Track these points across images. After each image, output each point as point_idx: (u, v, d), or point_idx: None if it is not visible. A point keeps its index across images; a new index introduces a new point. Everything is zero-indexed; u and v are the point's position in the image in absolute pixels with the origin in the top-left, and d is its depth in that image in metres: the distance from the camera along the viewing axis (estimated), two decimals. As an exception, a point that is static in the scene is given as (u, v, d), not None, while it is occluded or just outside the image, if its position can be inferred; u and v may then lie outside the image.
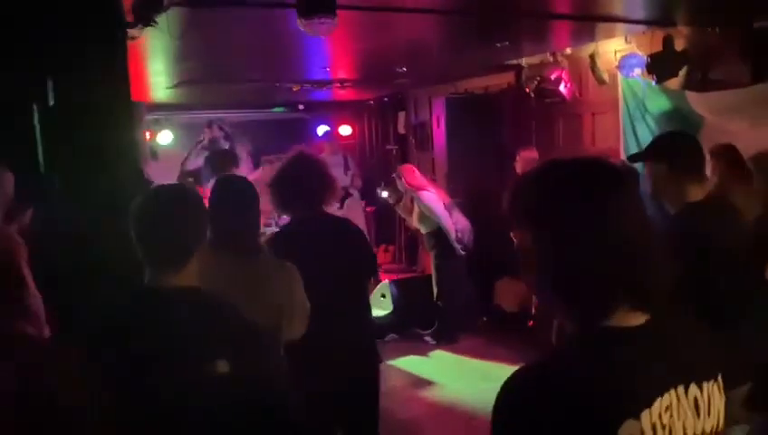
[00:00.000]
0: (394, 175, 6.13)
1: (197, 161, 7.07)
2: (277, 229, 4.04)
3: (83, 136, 2.87)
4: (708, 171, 4.16)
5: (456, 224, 5.93)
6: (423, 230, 6.16)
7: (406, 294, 6.55)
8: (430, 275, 7.00)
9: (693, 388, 1.06)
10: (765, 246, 2.67)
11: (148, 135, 7.90)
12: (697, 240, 2.30)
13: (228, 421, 1.47)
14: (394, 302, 6.48)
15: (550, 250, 1.07)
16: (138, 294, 1.64)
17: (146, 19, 2.80)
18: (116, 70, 2.94)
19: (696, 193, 2.47)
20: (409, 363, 5.67)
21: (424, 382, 5.26)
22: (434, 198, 5.91)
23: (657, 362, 1.04)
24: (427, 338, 6.19)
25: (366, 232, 7.95)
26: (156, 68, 5.34)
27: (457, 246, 5.91)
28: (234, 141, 7.40)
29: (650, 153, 2.59)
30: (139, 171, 3.22)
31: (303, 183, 2.88)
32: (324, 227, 2.93)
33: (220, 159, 5.53)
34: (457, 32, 4.55)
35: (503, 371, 4.67)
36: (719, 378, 1.11)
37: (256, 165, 8.26)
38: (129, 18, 2.87)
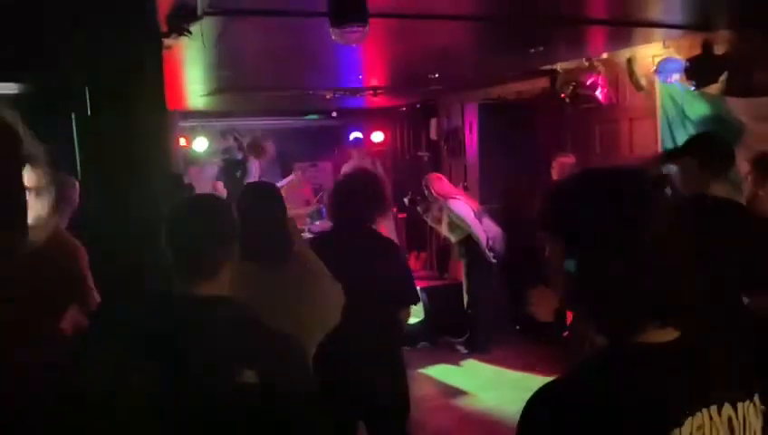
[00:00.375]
0: (423, 184, 6.10)
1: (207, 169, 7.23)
2: (310, 236, 4.06)
3: (119, 144, 2.93)
4: (747, 180, 4.08)
5: (486, 231, 5.88)
6: (453, 239, 6.12)
7: (437, 301, 6.52)
8: (461, 283, 6.95)
9: (727, 408, 1.02)
10: None
11: (183, 142, 8.06)
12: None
13: (253, 432, 1.46)
14: (425, 309, 6.44)
15: (579, 262, 1.04)
16: (167, 300, 1.64)
17: (180, 29, 2.84)
18: (151, 79, 3.00)
19: (719, 193, 2.57)
20: (440, 372, 5.63)
21: (455, 392, 5.21)
22: (464, 207, 5.87)
23: (687, 381, 1.01)
24: (459, 347, 6.14)
25: (396, 239, 7.99)
26: (191, 76, 5.42)
27: (489, 254, 5.86)
28: (246, 151, 7.43)
29: (685, 150, 2.75)
30: (177, 177, 3.27)
31: (355, 197, 2.93)
32: (361, 243, 2.90)
33: (232, 168, 5.63)
34: (490, 38, 4.51)
35: (535, 381, 4.58)
36: (755, 398, 1.06)
37: (287, 172, 8.34)
38: (164, 28, 2.91)
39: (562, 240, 1.09)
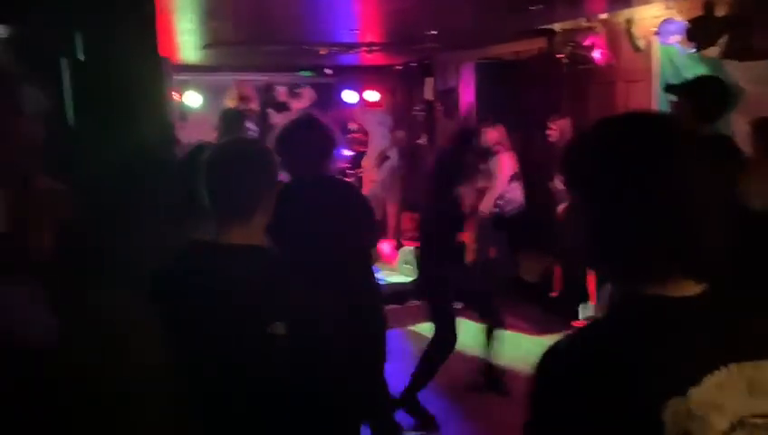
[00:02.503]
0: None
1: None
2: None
3: (112, 90, 2.87)
4: (748, 144, 4.07)
5: (508, 192, 5.84)
6: None
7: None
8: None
9: (747, 366, 0.99)
10: None
11: (176, 96, 7.93)
12: None
13: (283, 385, 1.45)
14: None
15: (602, 212, 1.02)
16: (199, 247, 1.63)
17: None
18: (144, 24, 2.93)
19: None
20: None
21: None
22: (507, 161, 5.80)
23: (709, 337, 0.98)
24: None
25: (396, 196, 7.93)
26: (184, 26, 5.31)
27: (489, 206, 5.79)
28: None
29: (682, 89, 2.68)
30: (168, 126, 3.21)
31: (303, 144, 2.81)
32: (320, 191, 2.83)
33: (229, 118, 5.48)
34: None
35: (522, 339, 4.66)
36: None
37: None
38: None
39: (584, 189, 1.06)
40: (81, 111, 2.90)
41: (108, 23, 2.83)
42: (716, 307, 1.02)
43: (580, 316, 5.56)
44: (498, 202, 5.82)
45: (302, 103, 7.67)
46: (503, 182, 5.80)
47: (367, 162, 8.55)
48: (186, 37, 5.83)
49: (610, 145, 1.04)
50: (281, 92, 7.51)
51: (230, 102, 7.31)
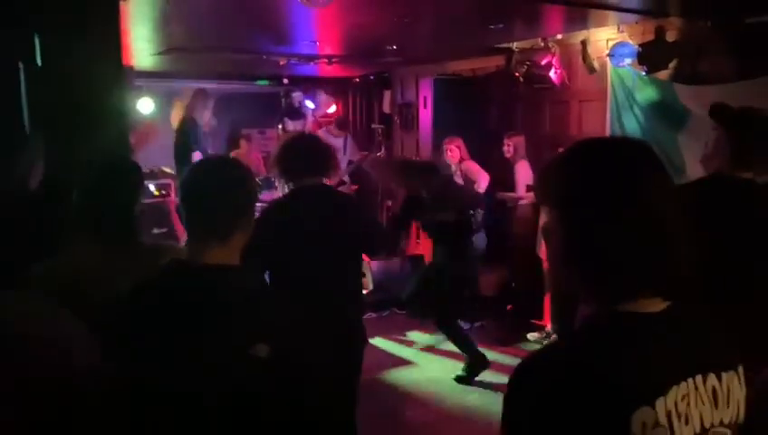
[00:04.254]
0: (443, 146, 5.99)
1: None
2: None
3: (70, 95, 2.79)
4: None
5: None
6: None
7: (386, 273, 6.57)
8: (411, 256, 7.02)
9: (711, 377, 1.05)
10: None
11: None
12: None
13: (262, 406, 1.42)
14: (374, 281, 6.50)
15: (576, 230, 1.06)
16: (180, 268, 1.58)
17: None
18: (106, 29, 2.86)
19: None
20: (385, 343, 5.69)
21: (399, 362, 5.28)
22: (483, 171, 5.88)
23: (674, 350, 1.03)
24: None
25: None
26: (140, 33, 5.19)
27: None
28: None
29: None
30: (126, 136, 3.14)
31: (307, 154, 2.97)
32: (322, 198, 2.97)
33: None
34: (453, 11, 4.49)
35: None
36: (740, 369, 1.09)
37: (233, 139, 8.09)
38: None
39: (559, 207, 1.09)
40: (37, 117, 2.81)
41: (68, 27, 2.76)
42: (682, 322, 1.07)
43: (529, 337, 5.65)
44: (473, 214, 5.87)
45: (319, 111, 7.52)
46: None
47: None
48: (140, 43, 5.71)
49: (584, 168, 1.08)
50: (295, 99, 7.39)
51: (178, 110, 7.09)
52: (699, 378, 1.04)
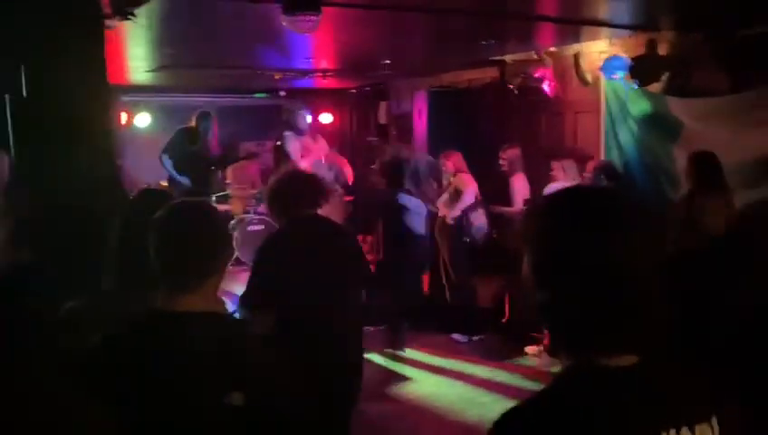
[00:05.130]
0: (441, 159, 5.99)
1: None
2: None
3: (55, 120, 2.80)
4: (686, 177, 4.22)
5: (474, 219, 5.91)
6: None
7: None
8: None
9: (684, 431, 1.05)
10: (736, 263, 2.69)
11: (125, 117, 7.78)
12: None
13: None
14: (369, 294, 6.47)
15: (547, 282, 1.07)
16: (152, 317, 1.56)
17: (124, 12, 2.72)
18: (91, 60, 2.87)
19: None
20: (381, 358, 5.67)
21: (395, 377, 5.26)
22: (471, 182, 5.87)
23: (646, 405, 1.03)
24: (457, 336, 6.11)
25: (341, 222, 7.90)
26: (135, 53, 5.23)
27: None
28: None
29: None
30: (113, 167, 3.15)
31: (297, 189, 3.01)
32: (318, 231, 2.99)
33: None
34: (443, 29, 4.51)
35: (472, 368, 4.60)
36: (713, 420, 1.09)
37: (231, 150, 8.12)
38: (107, 10, 2.78)
39: (533, 257, 1.10)
40: (23, 148, 2.82)
41: (53, 56, 2.77)
42: (654, 376, 1.07)
43: (527, 350, 5.63)
44: (465, 225, 5.88)
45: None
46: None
47: None
48: (136, 62, 5.73)
49: (554, 222, 1.09)
50: (301, 117, 7.40)
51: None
52: (673, 432, 1.04)
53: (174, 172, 6.76)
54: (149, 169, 7.18)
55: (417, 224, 5.53)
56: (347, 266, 3.01)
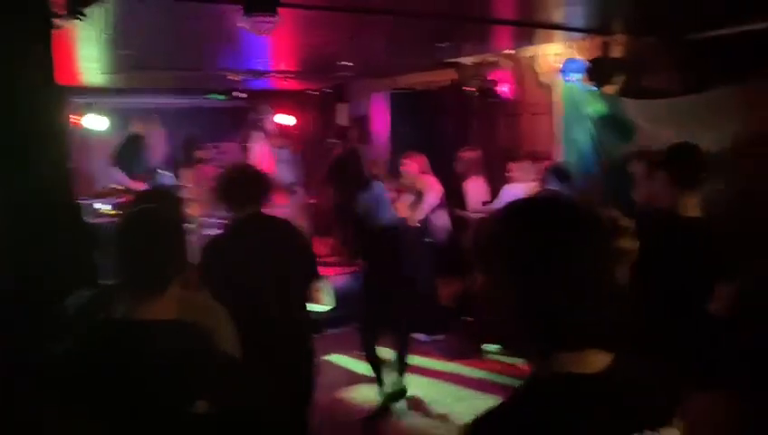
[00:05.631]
0: (401, 160, 5.96)
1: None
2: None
3: (3, 126, 2.71)
4: (641, 179, 4.32)
5: (435, 219, 5.92)
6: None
7: (346, 288, 6.53)
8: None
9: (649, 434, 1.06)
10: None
11: (77, 120, 7.56)
12: None
13: None
14: (334, 297, 6.45)
15: (509, 293, 1.07)
16: (113, 325, 1.55)
17: (73, 11, 2.64)
18: (38, 60, 2.77)
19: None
20: (345, 360, 5.66)
21: (360, 379, 5.25)
22: (436, 185, 5.87)
23: (614, 409, 1.05)
24: (419, 336, 6.09)
25: (306, 225, 7.85)
26: (87, 54, 5.09)
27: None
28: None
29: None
30: (65, 168, 3.05)
31: (243, 185, 3.01)
32: (265, 229, 3.01)
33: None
34: (401, 31, 4.51)
35: (438, 365, 4.63)
36: (677, 421, 1.11)
37: (189, 156, 7.95)
38: (56, 9, 2.69)
39: (493, 270, 1.10)
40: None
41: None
42: (622, 381, 1.08)
43: (487, 348, 5.68)
44: (429, 229, 5.90)
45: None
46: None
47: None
48: (88, 64, 5.59)
49: (517, 229, 1.09)
50: (268, 119, 7.28)
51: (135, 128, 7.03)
52: None
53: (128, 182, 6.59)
54: (102, 172, 7.01)
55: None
56: (293, 265, 3.03)
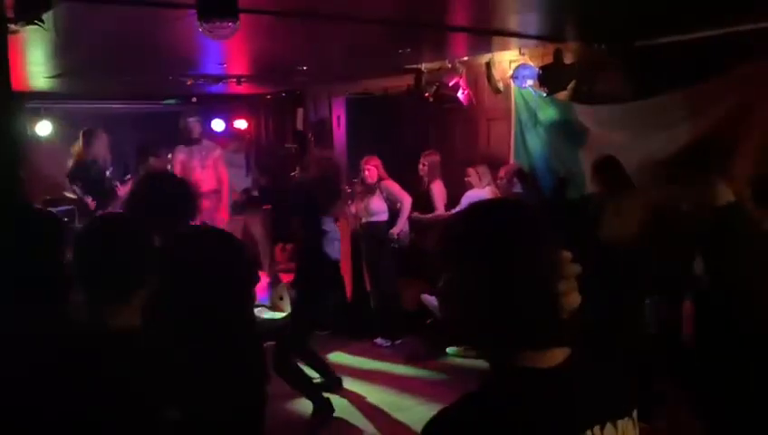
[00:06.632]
0: (361, 164, 5.97)
1: None
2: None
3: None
4: (593, 184, 4.46)
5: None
6: (370, 219, 6.02)
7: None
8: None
9: (609, 427, 1.10)
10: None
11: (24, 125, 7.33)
12: None
13: None
14: (292, 303, 6.41)
15: (469, 290, 1.09)
16: (81, 335, 1.52)
17: (29, 17, 2.57)
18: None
19: None
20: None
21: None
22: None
23: (573, 403, 1.08)
24: (380, 341, 6.09)
25: (264, 231, 7.75)
26: (34, 58, 4.95)
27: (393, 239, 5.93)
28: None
29: None
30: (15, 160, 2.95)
31: (164, 203, 2.60)
32: (199, 244, 2.66)
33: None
34: (361, 38, 4.54)
35: (397, 370, 4.64)
36: (634, 414, 1.15)
37: (142, 160, 7.73)
38: (11, 14, 2.62)
39: (453, 267, 1.13)
40: None
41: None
42: (578, 374, 1.11)
43: (448, 351, 5.73)
44: (397, 233, 5.93)
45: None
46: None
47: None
48: (35, 68, 5.43)
49: (475, 228, 1.13)
50: (194, 126, 7.04)
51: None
52: (597, 428, 1.09)
53: (87, 197, 6.31)
54: (49, 180, 6.80)
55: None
56: (237, 278, 2.74)
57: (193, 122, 6.96)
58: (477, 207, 1.19)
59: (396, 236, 5.90)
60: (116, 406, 1.41)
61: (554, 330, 1.09)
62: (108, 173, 6.32)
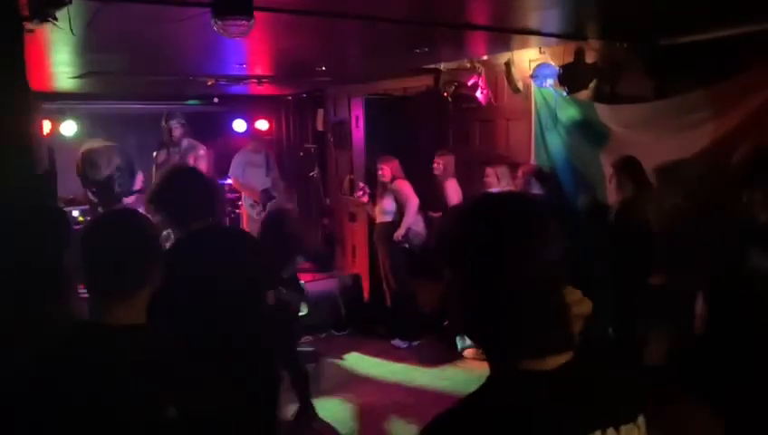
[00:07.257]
0: (378, 164, 6.03)
1: None
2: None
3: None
4: (613, 184, 4.41)
5: (414, 224, 5.95)
6: (384, 219, 6.09)
7: (322, 294, 6.52)
8: (347, 276, 7.00)
9: (610, 432, 1.06)
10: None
11: (49, 126, 7.44)
12: None
13: None
14: (309, 303, 6.42)
15: (467, 291, 1.07)
16: (85, 331, 1.52)
17: (44, 14, 2.59)
18: (10, 66, 2.73)
19: None
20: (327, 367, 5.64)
21: (336, 388, 5.23)
22: (411, 190, 5.96)
23: (573, 407, 1.05)
24: (397, 342, 6.08)
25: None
26: (59, 58, 5.02)
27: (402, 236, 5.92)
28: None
29: None
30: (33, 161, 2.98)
31: (189, 197, 2.64)
32: (217, 243, 2.71)
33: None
34: (378, 37, 4.52)
35: (416, 372, 4.64)
36: (639, 419, 1.11)
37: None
38: (26, 12, 2.65)
39: (452, 269, 1.10)
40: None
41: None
42: (579, 378, 1.08)
43: (458, 346, 5.69)
44: (409, 234, 5.92)
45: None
46: (412, 210, 5.94)
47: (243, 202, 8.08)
48: (60, 68, 5.51)
49: (477, 229, 1.09)
50: (174, 127, 7.07)
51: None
52: (599, 433, 1.05)
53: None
54: (76, 180, 6.88)
55: None
56: (252, 277, 2.77)
57: (173, 124, 6.94)
58: (476, 204, 1.15)
59: (400, 238, 5.88)
60: (122, 404, 1.41)
61: (557, 337, 1.06)
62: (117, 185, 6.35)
